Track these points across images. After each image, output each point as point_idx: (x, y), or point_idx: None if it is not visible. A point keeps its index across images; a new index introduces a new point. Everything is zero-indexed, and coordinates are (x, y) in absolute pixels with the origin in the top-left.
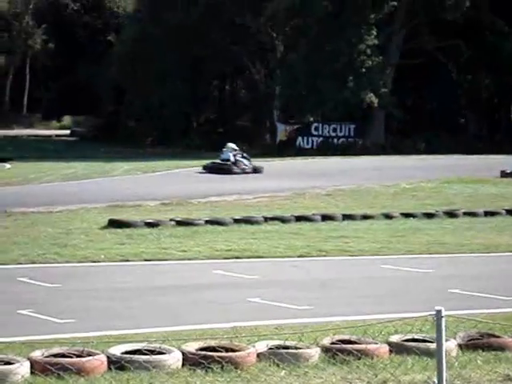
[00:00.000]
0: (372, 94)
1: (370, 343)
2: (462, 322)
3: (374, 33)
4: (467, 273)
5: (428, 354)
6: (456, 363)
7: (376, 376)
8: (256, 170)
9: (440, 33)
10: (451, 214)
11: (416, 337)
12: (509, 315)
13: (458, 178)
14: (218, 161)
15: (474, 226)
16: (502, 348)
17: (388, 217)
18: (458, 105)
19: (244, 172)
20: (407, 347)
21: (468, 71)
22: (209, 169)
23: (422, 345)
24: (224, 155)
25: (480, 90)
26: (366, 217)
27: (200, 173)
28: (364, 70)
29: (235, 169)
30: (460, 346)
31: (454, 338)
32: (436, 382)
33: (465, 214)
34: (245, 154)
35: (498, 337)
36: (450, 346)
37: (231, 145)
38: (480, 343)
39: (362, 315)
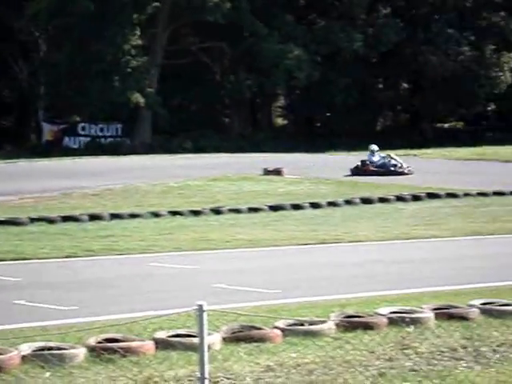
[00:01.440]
0: (138, 94)
1: (135, 341)
2: (225, 315)
3: (138, 33)
4: (231, 268)
5: (192, 348)
6: (219, 356)
7: (141, 373)
8: (408, 172)
9: (203, 34)
10: (217, 211)
11: (180, 332)
12: (271, 307)
13: (224, 175)
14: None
15: (238, 222)
16: (263, 339)
17: (155, 215)
18: (222, 105)
19: (398, 173)
20: (172, 343)
21: (231, 72)
22: (357, 171)
23: (186, 340)
24: (372, 158)
25: (242, 91)
26: (133, 215)
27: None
28: (129, 70)
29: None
30: (224, 339)
31: (218, 332)
32: (199, 375)
33: (230, 210)
34: (392, 155)
35: (260, 329)
36: (214, 339)
37: (375, 146)
38: (242, 336)
39: (129, 313)
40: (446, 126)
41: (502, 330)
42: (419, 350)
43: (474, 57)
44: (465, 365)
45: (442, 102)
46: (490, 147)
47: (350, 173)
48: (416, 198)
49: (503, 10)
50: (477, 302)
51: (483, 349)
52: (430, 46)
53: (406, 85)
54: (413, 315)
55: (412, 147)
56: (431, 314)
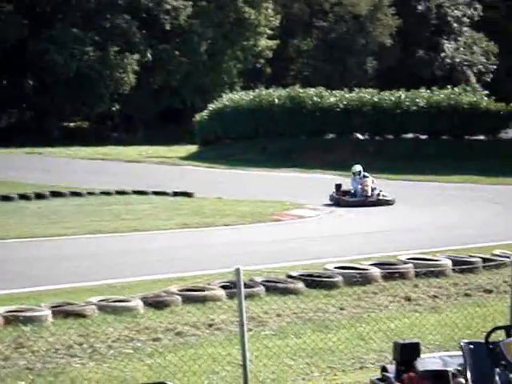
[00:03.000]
0: None
1: None
2: None
3: None
4: None
5: None
6: None
7: None
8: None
9: None
10: None
11: None
12: None
13: None
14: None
15: None
16: None
17: None
18: None
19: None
20: None
21: None
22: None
23: None
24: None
25: None
26: None
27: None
28: None
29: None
30: None
31: None
32: None
33: None
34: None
35: None
36: None
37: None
38: None
39: None
40: (72, 125)
41: (116, 325)
42: (34, 348)
43: (98, 57)
44: (79, 361)
45: (68, 101)
46: (114, 147)
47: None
48: (40, 196)
49: (126, 12)
50: (94, 299)
51: (98, 345)
52: (55, 45)
53: (31, 82)
54: (30, 314)
55: (37, 145)
56: (48, 312)
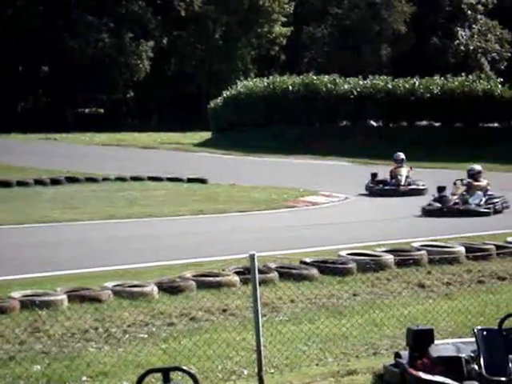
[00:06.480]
0: None
1: None
2: None
3: None
4: None
5: None
6: None
7: None
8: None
9: None
10: None
11: None
12: None
13: None
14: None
15: None
16: None
17: None
18: None
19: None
20: None
21: None
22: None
23: None
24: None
25: None
26: None
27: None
28: None
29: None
30: None
31: None
32: None
33: None
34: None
35: None
36: None
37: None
38: None
39: None
40: (87, 111)
41: (131, 310)
42: (50, 332)
43: (113, 44)
44: (95, 346)
45: (83, 88)
46: (128, 133)
47: None
48: (55, 181)
49: None
50: (110, 284)
51: (113, 330)
52: (70, 32)
53: (46, 69)
54: (45, 298)
55: (52, 131)
56: (64, 297)
